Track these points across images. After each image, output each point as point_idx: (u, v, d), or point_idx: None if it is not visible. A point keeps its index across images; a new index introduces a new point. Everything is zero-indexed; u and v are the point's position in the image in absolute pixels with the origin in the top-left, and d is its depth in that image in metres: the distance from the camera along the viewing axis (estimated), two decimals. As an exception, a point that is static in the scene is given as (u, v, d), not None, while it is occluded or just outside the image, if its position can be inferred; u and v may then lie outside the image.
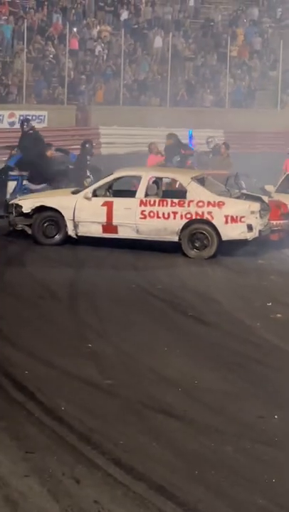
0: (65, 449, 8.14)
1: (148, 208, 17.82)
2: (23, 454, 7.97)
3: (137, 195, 17.97)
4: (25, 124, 25.43)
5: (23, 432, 8.47)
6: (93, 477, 7.58)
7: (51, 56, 38.78)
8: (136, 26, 42.79)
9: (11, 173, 22.77)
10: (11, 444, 8.20)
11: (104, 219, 17.96)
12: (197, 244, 17.61)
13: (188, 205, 17.66)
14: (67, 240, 18.13)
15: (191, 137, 30.33)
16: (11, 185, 22.40)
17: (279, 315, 13.67)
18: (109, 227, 18.00)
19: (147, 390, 9.92)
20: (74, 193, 18.65)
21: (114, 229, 17.99)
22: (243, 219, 17.55)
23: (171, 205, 17.74)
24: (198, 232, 17.62)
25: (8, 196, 21.30)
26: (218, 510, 7.11)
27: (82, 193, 18.28)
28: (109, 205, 17.97)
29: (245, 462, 8.12)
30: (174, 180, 18.51)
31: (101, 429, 8.59)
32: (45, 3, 41.24)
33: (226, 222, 17.53)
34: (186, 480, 7.62)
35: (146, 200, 17.86)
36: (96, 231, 18.06)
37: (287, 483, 7.71)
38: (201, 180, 18.39)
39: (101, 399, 9.58)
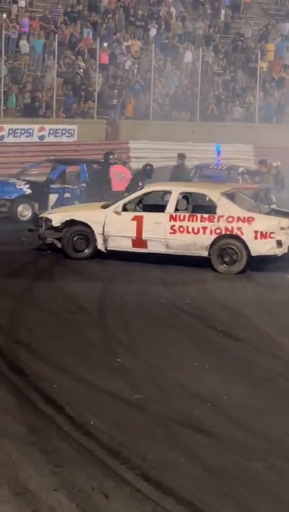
0: (93, 464, 8.16)
1: (178, 223, 17.83)
2: (52, 468, 8.00)
3: (167, 209, 17.98)
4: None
5: (52, 446, 8.50)
6: (122, 492, 7.59)
7: (81, 70, 38.89)
8: (166, 41, 42.87)
9: (53, 186, 22.91)
10: (40, 457, 8.23)
11: (133, 233, 17.98)
12: (226, 260, 17.60)
13: (218, 221, 17.66)
14: (97, 254, 18.15)
15: (219, 152, 30.41)
16: (53, 198, 22.56)
17: (308, 331, 13.66)
18: (138, 241, 18.01)
19: (176, 405, 9.93)
20: (104, 207, 18.68)
21: (143, 243, 18.00)
22: (272, 235, 17.53)
23: (201, 220, 17.75)
24: (227, 247, 17.61)
25: (49, 209, 21.44)
26: (247, 526, 7.13)
27: (112, 208, 18.31)
28: (139, 220, 18.00)
29: (274, 479, 8.12)
30: (204, 196, 18.49)
31: (130, 444, 8.60)
32: (76, 18, 41.43)
33: (256, 237, 17.51)
34: (215, 496, 7.62)
35: (176, 215, 17.88)
36: (126, 245, 18.08)
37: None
38: (231, 196, 18.40)
39: (130, 414, 9.59)
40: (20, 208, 22.12)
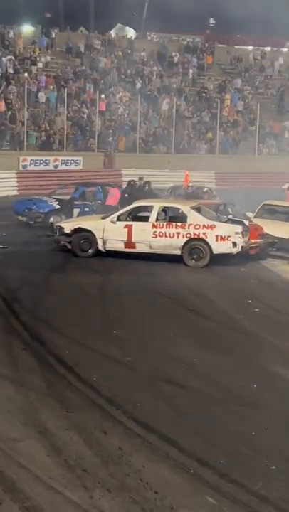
0: (96, 409, 8.18)
1: (158, 230, 17.82)
2: (65, 413, 8.02)
3: (150, 220, 17.97)
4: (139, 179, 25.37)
5: (64, 396, 8.51)
6: (117, 430, 7.61)
7: (85, 115, 38.78)
8: (148, 93, 42.77)
9: (76, 202, 22.91)
10: (55, 405, 8.24)
11: (125, 238, 17.95)
12: (195, 257, 17.59)
13: (188, 228, 17.65)
14: (98, 254, 18.13)
15: (187, 177, 30.47)
16: (76, 211, 22.56)
17: (257, 309, 13.64)
18: (129, 244, 17.99)
19: (158, 365, 9.94)
20: (103, 218, 18.68)
21: (133, 245, 17.99)
22: (229, 238, 17.53)
23: (176, 228, 17.74)
24: (195, 247, 17.60)
25: None
26: (210, 455, 7.12)
27: (109, 218, 18.29)
28: (129, 228, 17.97)
29: (230, 420, 8.14)
30: (178, 209, 18.48)
31: (123, 395, 8.62)
32: (81, 75, 41.32)
33: (217, 240, 17.51)
34: (188, 434, 7.64)
35: (157, 224, 17.88)
36: (119, 247, 18.05)
37: (263, 436, 7.72)
38: (198, 209, 18.38)
39: (123, 372, 9.60)
40: (51, 219, 22.03)
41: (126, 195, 23.33)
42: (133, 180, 25.15)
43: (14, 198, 30.20)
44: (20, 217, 23.39)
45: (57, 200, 23.40)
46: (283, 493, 6.43)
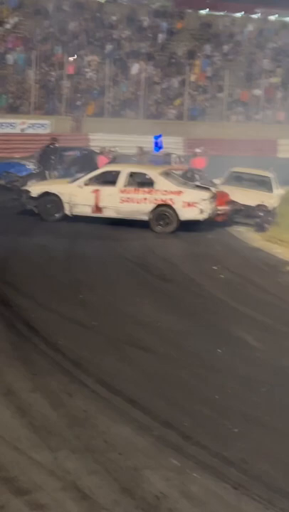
0: (61, 372, 8.19)
1: (126, 195, 17.80)
2: (31, 375, 8.02)
3: (118, 185, 17.93)
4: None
5: (30, 359, 8.51)
6: (82, 392, 7.64)
7: (53, 79, 38.40)
8: (118, 57, 42.44)
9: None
10: (21, 367, 8.24)
11: (93, 202, 17.92)
12: (162, 223, 17.63)
13: (156, 193, 17.66)
14: (65, 218, 18.07)
15: (157, 141, 30.29)
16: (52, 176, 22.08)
17: (222, 276, 13.74)
18: (96, 208, 17.96)
19: (123, 329, 9.98)
20: (70, 182, 18.59)
21: (100, 210, 17.96)
22: (196, 204, 17.58)
23: (143, 193, 17.73)
24: (162, 213, 17.62)
25: None
26: (174, 417, 7.20)
27: (76, 182, 18.22)
28: (97, 192, 17.93)
29: (195, 383, 8.21)
30: (145, 174, 18.45)
31: (88, 358, 8.64)
32: (50, 38, 40.84)
33: (184, 206, 17.55)
34: (152, 396, 7.70)
35: (124, 189, 17.85)
36: (87, 211, 18.01)
37: (226, 399, 7.81)
38: (166, 175, 18.39)
39: (89, 335, 9.62)
40: (29, 183, 21.75)
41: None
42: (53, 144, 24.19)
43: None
44: None
45: (35, 164, 23.07)
46: (245, 454, 6.52)
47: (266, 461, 6.46)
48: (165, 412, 7.29)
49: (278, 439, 6.99)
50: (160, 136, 28.51)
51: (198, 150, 24.17)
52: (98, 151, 23.17)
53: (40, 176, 22.07)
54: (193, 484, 5.95)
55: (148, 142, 30.73)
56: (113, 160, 23.16)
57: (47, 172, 22.09)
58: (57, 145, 22.35)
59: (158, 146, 27.97)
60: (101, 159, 22.19)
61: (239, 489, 5.93)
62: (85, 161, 23.04)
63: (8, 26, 40.34)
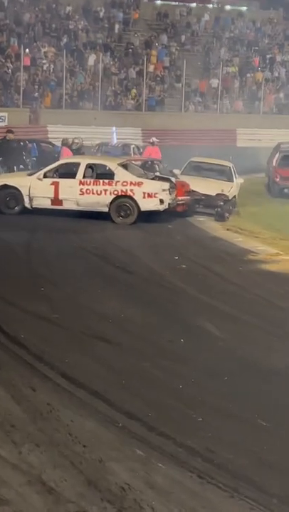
0: (24, 366, 8.17)
1: (85, 187, 17.73)
2: (-8, 370, 7.99)
3: (77, 176, 17.85)
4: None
5: (-8, 354, 8.48)
6: (45, 386, 7.63)
7: (10, 70, 38.09)
8: (74, 48, 42.20)
9: None
10: (-18, 363, 8.21)
11: (52, 195, 17.81)
12: (122, 214, 17.60)
13: (116, 185, 17.62)
14: (25, 211, 17.95)
15: (114, 132, 30.31)
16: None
17: (183, 266, 13.78)
18: (56, 201, 17.86)
19: (85, 322, 9.96)
20: (29, 175, 18.48)
21: (60, 202, 17.86)
22: (156, 195, 17.58)
23: (103, 185, 17.68)
24: (123, 204, 17.59)
25: None
26: (138, 408, 7.22)
27: (35, 175, 18.10)
28: (56, 185, 17.82)
29: (158, 374, 8.24)
30: (105, 166, 18.40)
31: (51, 351, 8.62)
32: (5, 29, 40.49)
33: (144, 197, 17.54)
34: (115, 388, 7.71)
35: (84, 181, 17.78)
36: (46, 204, 17.90)
37: (189, 389, 7.85)
38: (125, 166, 18.35)
39: (51, 329, 9.59)
40: None
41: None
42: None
43: None
44: None
45: None
46: (210, 443, 6.57)
47: (230, 449, 6.52)
48: (129, 403, 7.31)
49: (242, 428, 7.05)
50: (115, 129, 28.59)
51: (153, 139, 24.10)
52: (61, 143, 22.92)
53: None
54: (159, 474, 5.98)
55: (107, 133, 30.76)
56: (78, 151, 23.04)
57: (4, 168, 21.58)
58: (9, 138, 21.60)
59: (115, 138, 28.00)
60: (64, 151, 22.02)
61: (204, 478, 5.97)
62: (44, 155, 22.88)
63: None
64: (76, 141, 23.96)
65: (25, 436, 6.47)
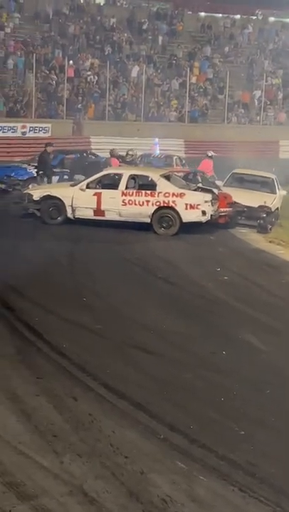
0: (66, 376, 8.19)
1: (128, 198, 17.77)
2: (35, 379, 8.02)
3: (120, 187, 17.90)
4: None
5: (34, 363, 8.51)
6: (87, 396, 7.64)
7: (54, 82, 38.40)
8: (118, 60, 42.44)
9: (55, 170, 22.18)
10: (25, 371, 8.25)
11: (95, 205, 17.88)
12: (164, 225, 17.59)
13: (158, 196, 17.63)
14: (67, 221, 18.05)
15: (156, 144, 30.36)
16: (54, 179, 21.83)
17: (226, 277, 13.72)
18: (98, 211, 17.92)
19: (128, 332, 9.97)
20: (72, 185, 18.58)
21: (102, 213, 17.92)
22: (198, 206, 17.55)
23: (145, 196, 17.71)
24: (165, 215, 17.59)
25: None
26: (180, 420, 7.19)
27: (78, 186, 18.19)
28: (98, 195, 17.89)
29: (200, 386, 8.21)
30: (147, 177, 18.42)
31: (93, 361, 8.63)
32: (49, 41, 40.86)
33: (186, 208, 17.51)
34: (157, 399, 7.70)
35: (126, 192, 17.83)
36: (89, 214, 17.97)
37: (231, 402, 7.80)
38: (168, 177, 18.36)
39: (93, 339, 9.61)
40: (30, 187, 21.56)
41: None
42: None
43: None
44: None
45: (35, 167, 22.91)
46: (252, 457, 6.51)
47: (273, 463, 6.45)
48: (171, 415, 7.28)
49: (284, 441, 6.98)
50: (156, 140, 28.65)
51: (211, 153, 23.87)
52: (110, 154, 22.95)
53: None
54: (200, 487, 5.94)
55: (150, 145, 30.83)
56: (132, 163, 23.13)
57: (54, 177, 21.61)
58: (49, 150, 21.51)
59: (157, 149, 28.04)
60: (113, 162, 22.05)
61: (246, 492, 5.92)
62: (87, 165, 22.96)
63: (7, 30, 40.34)
64: (130, 153, 24.06)
65: (67, 446, 6.48)
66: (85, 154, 25.25)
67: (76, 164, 23.43)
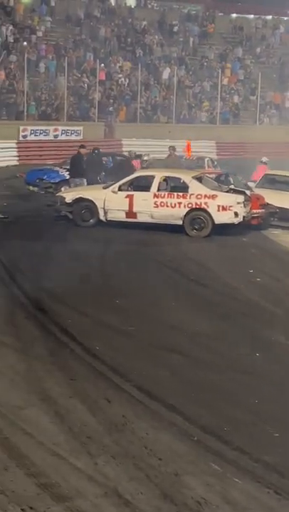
0: (99, 378, 8.21)
1: (160, 200, 17.76)
2: (68, 381, 8.05)
3: (152, 189, 17.91)
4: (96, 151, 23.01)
5: (67, 365, 8.55)
6: (120, 398, 7.65)
7: (85, 85, 38.54)
8: (149, 62, 42.47)
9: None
10: (58, 373, 8.28)
11: (127, 207, 17.90)
12: (196, 227, 17.56)
13: (190, 198, 17.61)
14: (99, 223, 18.08)
15: (188, 146, 30.31)
16: (85, 182, 21.68)
17: (258, 279, 13.66)
18: (130, 213, 17.94)
19: (160, 334, 9.97)
20: (104, 188, 18.62)
21: (134, 215, 17.94)
22: (231, 208, 17.49)
23: (177, 197, 17.70)
24: (197, 217, 17.55)
25: None
26: (213, 422, 7.16)
27: (110, 188, 18.22)
28: (130, 197, 17.91)
29: (233, 388, 8.18)
30: (179, 179, 18.40)
31: (126, 363, 8.65)
32: (81, 44, 41.03)
33: (218, 210, 17.47)
34: (190, 401, 7.69)
35: (158, 194, 17.83)
36: (121, 217, 18.00)
37: (265, 404, 7.76)
38: (199, 179, 18.32)
39: (125, 341, 9.63)
40: (62, 189, 21.65)
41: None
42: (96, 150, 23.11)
43: (14, 168, 30.19)
44: (31, 188, 23.34)
45: (67, 169, 22.95)
46: (287, 459, 6.47)
47: (308, 466, 6.40)
48: (204, 416, 7.26)
49: None
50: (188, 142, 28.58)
51: (265, 159, 23.60)
52: (129, 156, 22.91)
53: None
54: (235, 489, 5.91)
55: (181, 147, 30.78)
56: (147, 166, 23.10)
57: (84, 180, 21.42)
58: (82, 153, 21.44)
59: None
60: (134, 164, 22.07)
61: (281, 494, 5.88)
62: (119, 167, 22.90)
63: (39, 34, 40.57)
64: (146, 158, 23.97)
65: (100, 447, 6.49)
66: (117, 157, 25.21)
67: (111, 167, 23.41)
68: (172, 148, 24.41)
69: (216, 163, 27.54)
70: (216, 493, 5.81)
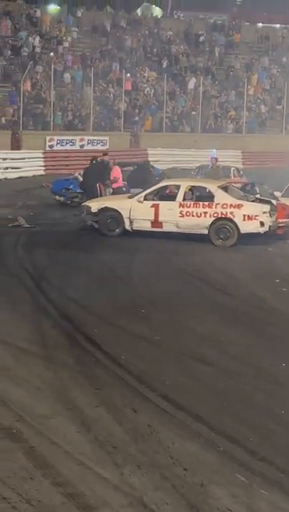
0: (125, 387, 8.19)
1: (185, 209, 17.76)
2: (94, 390, 8.04)
3: (177, 199, 17.91)
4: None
5: (93, 374, 8.54)
6: (146, 407, 7.63)
7: (111, 95, 38.69)
8: (175, 72, 42.55)
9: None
10: (84, 382, 8.28)
11: (152, 217, 17.92)
12: (222, 236, 17.53)
13: (216, 207, 17.59)
14: (125, 233, 18.11)
15: (214, 155, 30.23)
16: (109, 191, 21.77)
17: (285, 289, 13.59)
18: (156, 223, 17.95)
19: (186, 344, 9.94)
20: (130, 197, 18.65)
21: (160, 225, 17.95)
22: (256, 217, 17.45)
23: (203, 207, 17.68)
24: (223, 227, 17.53)
25: None
26: (240, 432, 7.12)
27: (136, 198, 18.26)
28: (156, 207, 17.93)
29: (259, 398, 8.13)
30: (205, 188, 18.39)
31: (151, 372, 8.63)
32: (107, 55, 41.23)
33: (244, 219, 17.43)
34: (216, 411, 7.64)
35: (184, 203, 17.82)
36: (146, 226, 18.02)
37: (292, 414, 7.71)
38: (225, 188, 18.30)
39: (151, 350, 9.61)
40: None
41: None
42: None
43: (41, 178, 30.37)
44: (57, 197, 23.44)
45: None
46: (313, 470, 6.41)
47: None
48: (230, 427, 7.22)
49: None
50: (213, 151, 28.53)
51: None
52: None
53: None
54: (261, 501, 5.86)
55: (207, 156, 30.76)
56: (163, 176, 23.16)
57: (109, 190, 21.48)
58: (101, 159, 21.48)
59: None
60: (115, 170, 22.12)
61: (308, 506, 5.82)
62: (143, 176, 22.90)
63: (66, 44, 40.84)
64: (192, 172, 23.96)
65: (126, 457, 6.48)
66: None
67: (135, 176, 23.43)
68: (215, 159, 24.36)
69: (241, 172, 27.48)
70: (242, 504, 5.77)
